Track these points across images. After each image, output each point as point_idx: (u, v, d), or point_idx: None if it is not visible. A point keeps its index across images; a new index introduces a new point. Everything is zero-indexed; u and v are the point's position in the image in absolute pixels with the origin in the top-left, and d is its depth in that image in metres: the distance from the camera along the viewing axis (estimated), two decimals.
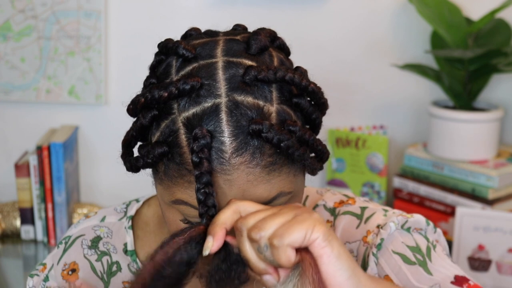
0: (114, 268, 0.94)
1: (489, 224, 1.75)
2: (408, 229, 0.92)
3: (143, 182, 1.91)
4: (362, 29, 2.05)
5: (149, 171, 0.84)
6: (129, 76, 2.01)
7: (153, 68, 0.86)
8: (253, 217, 0.72)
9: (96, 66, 1.99)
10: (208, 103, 0.78)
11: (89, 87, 2.00)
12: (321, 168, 0.86)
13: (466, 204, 1.83)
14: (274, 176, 0.78)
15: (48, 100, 2.01)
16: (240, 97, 0.78)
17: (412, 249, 0.90)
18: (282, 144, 0.77)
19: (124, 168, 0.84)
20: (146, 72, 0.85)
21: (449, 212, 1.86)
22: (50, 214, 1.92)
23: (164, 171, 0.80)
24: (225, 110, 0.77)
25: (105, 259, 0.95)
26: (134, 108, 0.82)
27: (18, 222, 1.96)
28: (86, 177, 2.07)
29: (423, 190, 1.92)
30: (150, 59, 0.86)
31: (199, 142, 0.75)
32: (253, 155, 0.77)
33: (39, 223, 1.94)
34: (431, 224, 0.95)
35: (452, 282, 0.86)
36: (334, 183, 2.04)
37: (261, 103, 0.79)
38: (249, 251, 0.73)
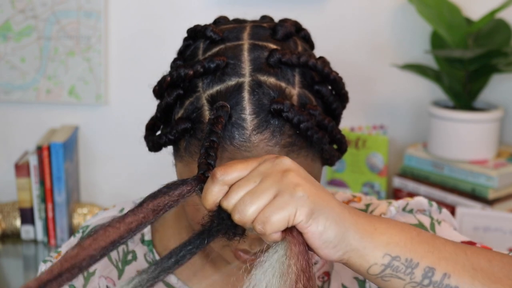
0: (130, 257, 0.94)
1: (489, 224, 1.76)
2: (410, 211, 0.93)
3: (144, 182, 1.92)
4: (362, 29, 2.05)
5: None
6: (129, 76, 2.01)
7: (180, 52, 0.88)
8: (234, 195, 0.69)
9: (96, 66, 1.99)
10: (232, 82, 0.80)
11: (89, 87, 2.00)
12: (339, 158, 0.88)
13: (466, 204, 1.83)
14: (292, 157, 0.79)
15: (48, 100, 2.01)
16: (263, 78, 0.80)
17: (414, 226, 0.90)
18: (301, 125, 0.79)
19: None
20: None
21: (449, 212, 1.86)
22: (50, 214, 1.92)
23: (185, 147, 0.82)
24: (248, 89, 0.79)
25: (121, 247, 0.95)
26: (160, 88, 0.84)
27: (18, 222, 1.96)
28: (86, 177, 2.07)
29: (423, 190, 1.92)
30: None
31: (217, 112, 0.77)
32: (273, 133, 0.79)
33: (39, 223, 1.94)
34: (435, 204, 0.95)
35: None
36: (334, 183, 2.04)
37: (283, 85, 0.80)
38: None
